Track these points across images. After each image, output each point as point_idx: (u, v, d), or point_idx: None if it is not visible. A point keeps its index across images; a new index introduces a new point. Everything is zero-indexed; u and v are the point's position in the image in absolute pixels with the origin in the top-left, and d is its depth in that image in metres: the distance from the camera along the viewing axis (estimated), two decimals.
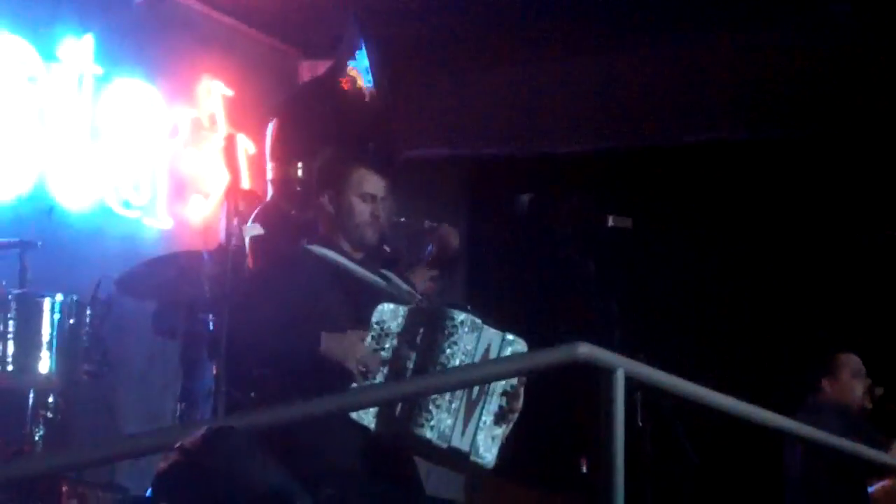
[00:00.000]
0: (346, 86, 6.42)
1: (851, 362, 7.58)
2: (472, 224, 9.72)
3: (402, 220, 5.89)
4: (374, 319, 5.04)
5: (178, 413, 6.54)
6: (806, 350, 7.98)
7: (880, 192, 8.80)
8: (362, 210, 5.34)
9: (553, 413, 8.78)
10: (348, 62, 6.49)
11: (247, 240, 5.71)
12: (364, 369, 4.96)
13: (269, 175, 6.38)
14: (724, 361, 8.76)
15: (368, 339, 5.00)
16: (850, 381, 7.54)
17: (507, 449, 5.25)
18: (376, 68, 6.30)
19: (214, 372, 5.32)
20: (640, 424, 4.92)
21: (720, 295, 9.24)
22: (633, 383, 3.59)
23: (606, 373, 3.52)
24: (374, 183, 5.38)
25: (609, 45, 9.18)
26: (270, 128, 6.49)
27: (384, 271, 5.34)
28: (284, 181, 6.26)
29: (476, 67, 9.49)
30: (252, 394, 5.24)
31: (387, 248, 5.74)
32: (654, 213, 8.03)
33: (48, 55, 7.62)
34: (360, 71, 6.37)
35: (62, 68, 7.69)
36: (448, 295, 5.96)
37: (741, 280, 9.20)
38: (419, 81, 9.12)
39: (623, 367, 3.54)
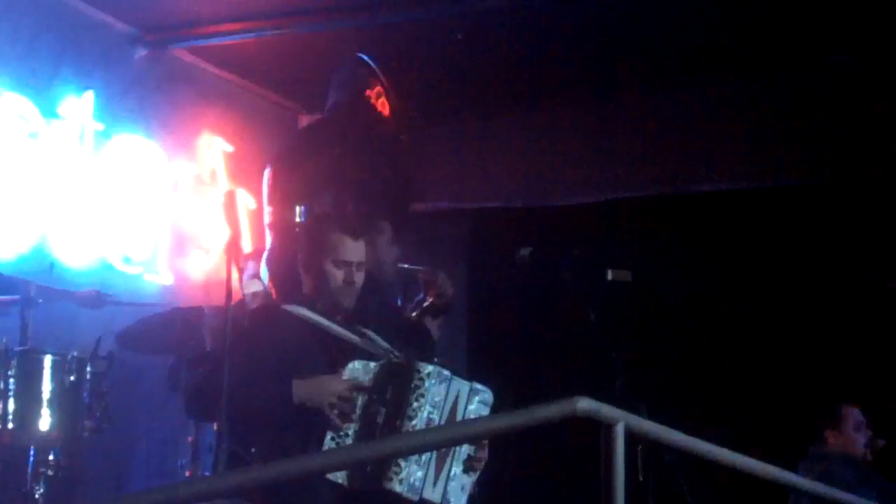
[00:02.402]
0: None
1: (854, 414, 7.58)
2: (473, 276, 9.72)
3: (406, 266, 5.89)
4: (345, 376, 5.08)
5: (181, 468, 6.53)
6: (808, 402, 7.97)
7: (882, 241, 8.80)
8: (335, 275, 5.35)
9: (554, 465, 8.76)
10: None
11: (247, 295, 5.73)
12: (339, 410, 5.01)
13: (267, 220, 6.38)
14: (725, 413, 8.73)
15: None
16: (853, 434, 7.53)
17: (508, 501, 5.28)
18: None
19: (216, 427, 5.32)
20: (641, 479, 4.92)
21: (721, 346, 9.23)
22: (633, 437, 3.57)
23: (607, 427, 3.50)
24: (348, 248, 5.39)
25: (608, 97, 9.21)
26: (267, 173, 6.49)
27: (363, 329, 5.36)
28: (283, 225, 6.26)
29: (475, 120, 9.52)
30: (252, 449, 5.24)
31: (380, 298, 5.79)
32: (655, 265, 8.04)
33: (49, 112, 7.65)
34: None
35: (63, 125, 7.72)
36: (451, 344, 5.95)
37: (742, 332, 9.19)
38: (418, 134, 9.15)
39: (624, 420, 3.52)
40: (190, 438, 6.73)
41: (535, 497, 8.88)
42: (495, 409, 5.27)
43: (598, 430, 3.51)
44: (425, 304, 5.86)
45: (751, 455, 3.91)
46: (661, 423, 3.72)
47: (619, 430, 3.51)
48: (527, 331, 9.44)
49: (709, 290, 9.23)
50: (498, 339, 9.54)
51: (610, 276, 5.44)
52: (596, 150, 9.31)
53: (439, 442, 4.33)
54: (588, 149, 9.35)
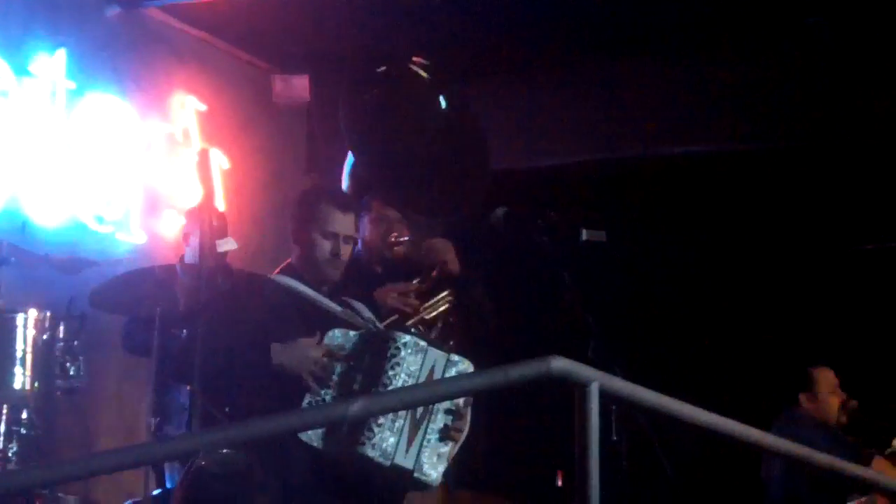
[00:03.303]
0: None
1: (828, 377, 7.60)
2: (446, 237, 9.69)
3: (407, 238, 5.86)
4: (325, 342, 5.10)
5: (152, 428, 6.51)
6: (782, 363, 7.99)
7: (858, 204, 8.83)
8: (323, 246, 5.38)
9: (528, 426, 8.78)
10: None
11: (219, 254, 5.70)
12: (316, 374, 5.03)
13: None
14: (699, 374, 8.76)
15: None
16: (827, 397, 7.56)
17: (483, 462, 5.29)
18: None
19: (189, 387, 5.31)
20: (615, 438, 4.92)
21: (695, 307, 9.26)
22: (608, 397, 3.57)
23: (581, 386, 3.50)
24: (337, 220, 5.41)
25: (583, 60, 9.20)
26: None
27: (350, 300, 5.35)
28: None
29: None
30: (227, 409, 5.24)
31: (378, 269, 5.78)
32: (629, 226, 8.04)
33: (21, 70, 7.60)
34: None
35: (35, 83, 7.67)
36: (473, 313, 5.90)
37: (716, 293, 9.22)
38: None
39: (598, 380, 3.52)
40: (161, 398, 6.71)
41: (509, 459, 8.91)
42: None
43: (573, 390, 3.52)
44: (433, 275, 5.81)
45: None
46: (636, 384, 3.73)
47: (594, 390, 3.52)
48: (500, 293, 9.45)
49: (683, 252, 9.26)
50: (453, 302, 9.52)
51: (585, 236, 5.43)
52: (571, 111, 9.30)
53: (412, 401, 4.34)
54: (563, 110, 9.34)
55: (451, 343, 5.42)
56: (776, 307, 9.02)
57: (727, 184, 9.20)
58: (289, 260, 5.60)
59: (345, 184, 6.04)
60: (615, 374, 3.83)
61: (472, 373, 5.06)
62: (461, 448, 5.36)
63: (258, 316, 5.22)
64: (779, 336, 8.81)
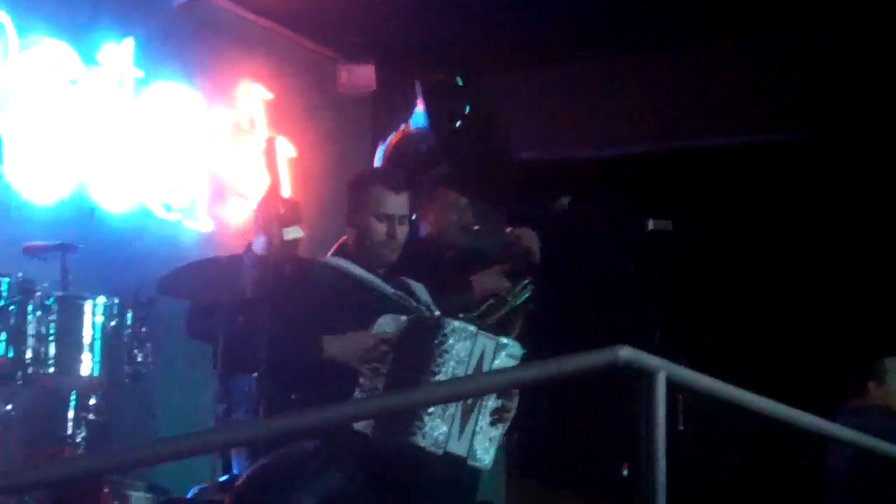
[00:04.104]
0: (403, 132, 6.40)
1: None
2: (510, 227, 9.68)
3: (477, 227, 5.87)
4: (374, 331, 5.07)
5: (219, 414, 6.55)
6: (850, 353, 7.93)
7: None
8: (378, 229, 5.35)
9: (592, 417, 8.76)
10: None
11: (287, 242, 5.72)
12: (368, 366, 5.01)
13: None
14: (766, 364, 8.70)
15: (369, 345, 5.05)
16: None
17: (548, 453, 5.26)
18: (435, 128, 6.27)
19: (254, 375, 5.33)
20: (682, 428, 4.91)
21: (762, 297, 9.19)
22: (674, 387, 3.56)
23: (647, 376, 3.49)
24: (391, 202, 5.38)
25: (646, 47, 9.16)
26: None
27: (408, 281, 5.34)
28: None
29: (513, 71, 9.48)
30: (293, 396, 5.25)
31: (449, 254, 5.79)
32: (695, 216, 8.00)
33: (89, 59, 7.66)
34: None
35: (103, 72, 7.73)
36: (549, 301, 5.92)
37: (784, 282, 9.15)
38: None
39: (664, 370, 3.51)
40: (228, 385, 6.74)
41: (573, 450, 8.89)
42: (529, 361, 5.24)
43: (637, 380, 3.50)
44: (511, 264, 5.82)
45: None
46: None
47: (661, 380, 3.51)
48: (564, 282, 9.43)
49: (749, 242, 9.19)
50: (534, 291, 9.51)
51: (651, 226, 5.41)
52: (637, 99, 9.27)
53: (480, 389, 4.33)
54: (627, 99, 9.31)
55: (517, 331, 5.40)
56: (848, 295, 8.94)
57: (799, 172, 9.12)
58: (343, 239, 5.58)
59: (384, 161, 6.04)
60: (680, 363, 3.81)
61: (541, 362, 5.01)
62: (526, 438, 5.35)
63: (311, 301, 5.21)
64: (848, 324, 8.74)
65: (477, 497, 5.40)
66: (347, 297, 5.25)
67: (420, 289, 5.35)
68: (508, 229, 5.94)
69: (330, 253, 5.54)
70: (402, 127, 6.36)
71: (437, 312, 5.27)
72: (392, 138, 6.27)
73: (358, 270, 5.28)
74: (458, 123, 6.10)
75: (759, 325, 9.18)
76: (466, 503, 5.37)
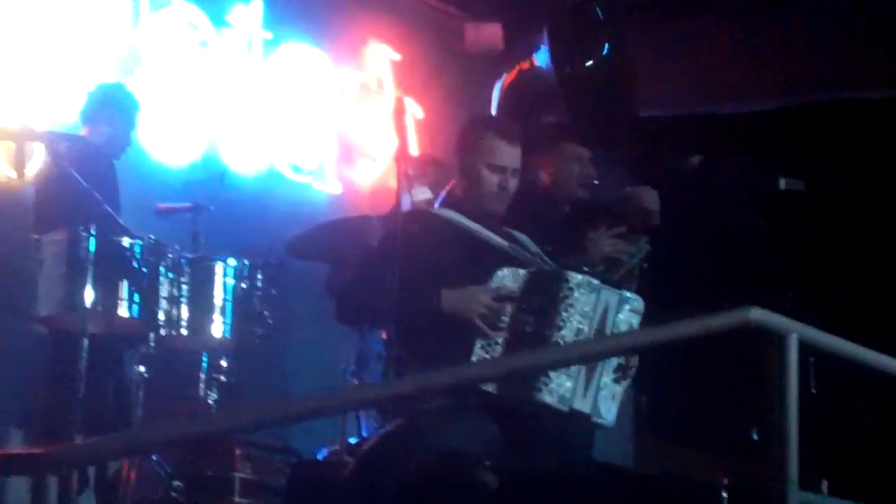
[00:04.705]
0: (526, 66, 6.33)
1: None
2: (639, 185, 9.60)
3: (596, 182, 5.80)
4: (492, 284, 5.01)
5: (349, 374, 6.59)
6: None
7: None
8: (490, 180, 5.26)
9: (722, 377, 8.68)
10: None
11: (417, 202, 5.72)
12: (487, 318, 4.95)
13: None
14: None
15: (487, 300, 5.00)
16: None
17: (676, 413, 5.19)
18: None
19: (384, 335, 5.34)
20: (814, 391, 4.83)
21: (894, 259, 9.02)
22: (806, 349, 3.50)
23: (779, 338, 3.44)
24: (504, 153, 5.28)
25: (780, 3, 9.02)
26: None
27: (513, 232, 5.28)
28: None
29: (641, 29, 9.38)
30: (412, 353, 5.24)
31: (566, 209, 5.73)
32: (829, 175, 7.86)
33: (218, 20, 7.72)
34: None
35: (232, 33, 7.79)
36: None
37: None
38: None
39: (797, 332, 3.45)
40: (358, 344, 6.78)
41: (703, 411, 8.81)
42: (652, 319, 5.16)
43: (769, 343, 3.45)
44: (630, 222, 5.74)
45: None
46: None
47: (793, 342, 3.45)
48: (695, 241, 9.34)
49: (884, 200, 9.02)
50: (663, 248, 9.44)
51: (783, 184, 5.31)
52: (768, 55, 9.13)
53: (612, 351, 4.29)
54: (759, 55, 9.18)
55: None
56: None
57: None
58: (450, 186, 5.51)
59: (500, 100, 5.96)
60: (812, 326, 3.75)
61: (672, 322, 4.93)
62: (655, 399, 5.30)
63: (424, 256, 5.15)
64: None
65: (593, 455, 5.35)
66: (463, 250, 5.20)
67: (527, 240, 5.27)
68: (628, 187, 5.85)
69: (438, 202, 5.49)
70: (525, 61, 6.25)
71: (553, 265, 5.20)
72: (510, 74, 6.16)
73: (468, 222, 5.22)
74: (588, 63, 5.99)
75: (891, 287, 9.02)
76: (584, 459, 5.32)
